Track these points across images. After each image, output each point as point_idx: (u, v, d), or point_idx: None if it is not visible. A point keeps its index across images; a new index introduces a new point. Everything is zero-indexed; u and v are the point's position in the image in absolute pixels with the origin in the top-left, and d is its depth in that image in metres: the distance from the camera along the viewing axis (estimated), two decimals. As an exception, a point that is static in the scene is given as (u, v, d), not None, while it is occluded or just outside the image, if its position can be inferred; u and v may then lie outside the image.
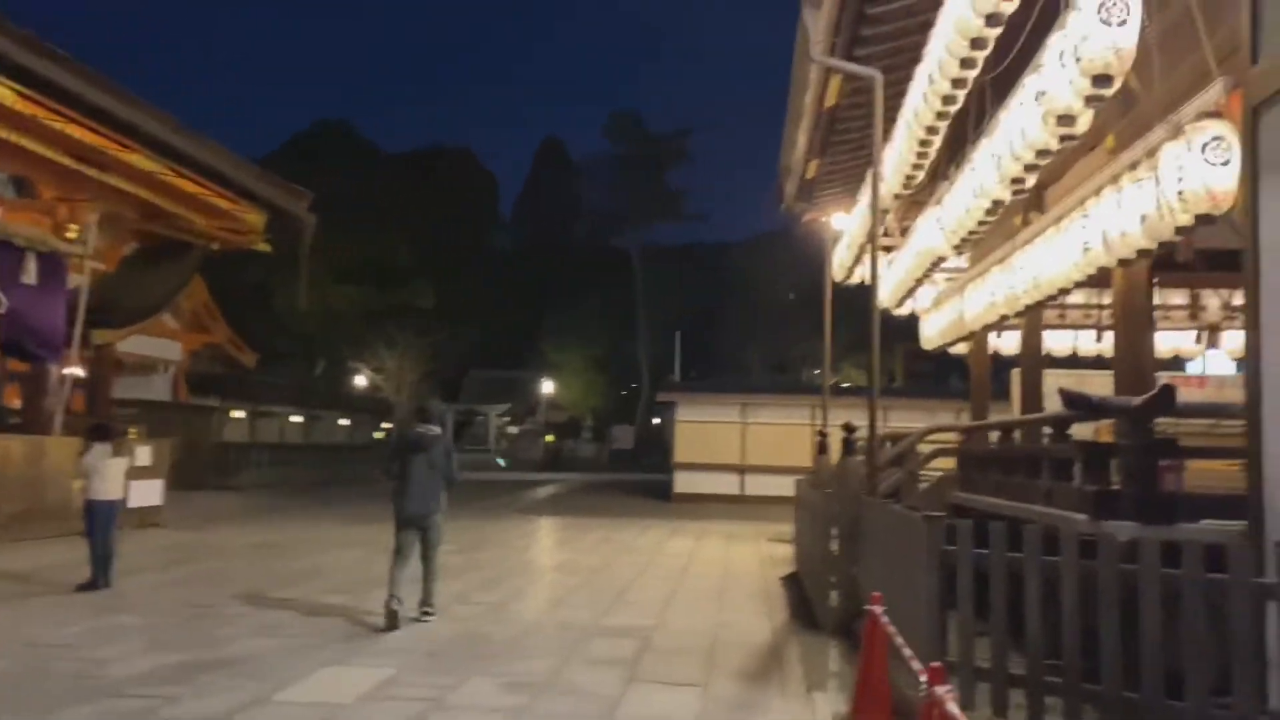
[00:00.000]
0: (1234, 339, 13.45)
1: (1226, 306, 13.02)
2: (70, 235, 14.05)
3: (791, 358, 51.39)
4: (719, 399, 26.31)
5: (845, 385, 40.88)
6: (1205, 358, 14.29)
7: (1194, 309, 12.95)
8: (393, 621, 7.24)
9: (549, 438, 52.40)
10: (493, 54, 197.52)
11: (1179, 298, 12.62)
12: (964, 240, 9.53)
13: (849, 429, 8.34)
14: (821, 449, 11.86)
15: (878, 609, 4.79)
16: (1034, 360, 11.10)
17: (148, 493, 14.90)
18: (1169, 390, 4.76)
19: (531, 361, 55.59)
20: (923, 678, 3.56)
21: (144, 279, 20.74)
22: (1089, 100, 5.66)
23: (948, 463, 11.65)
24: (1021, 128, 6.69)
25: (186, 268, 21.78)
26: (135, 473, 14.71)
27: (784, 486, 25.03)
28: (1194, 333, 13.52)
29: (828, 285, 14.06)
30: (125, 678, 5.66)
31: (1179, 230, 5.84)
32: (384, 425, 39.43)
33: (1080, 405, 5.52)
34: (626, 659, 6.43)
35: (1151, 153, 6.23)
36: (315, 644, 6.68)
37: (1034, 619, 4.45)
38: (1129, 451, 4.68)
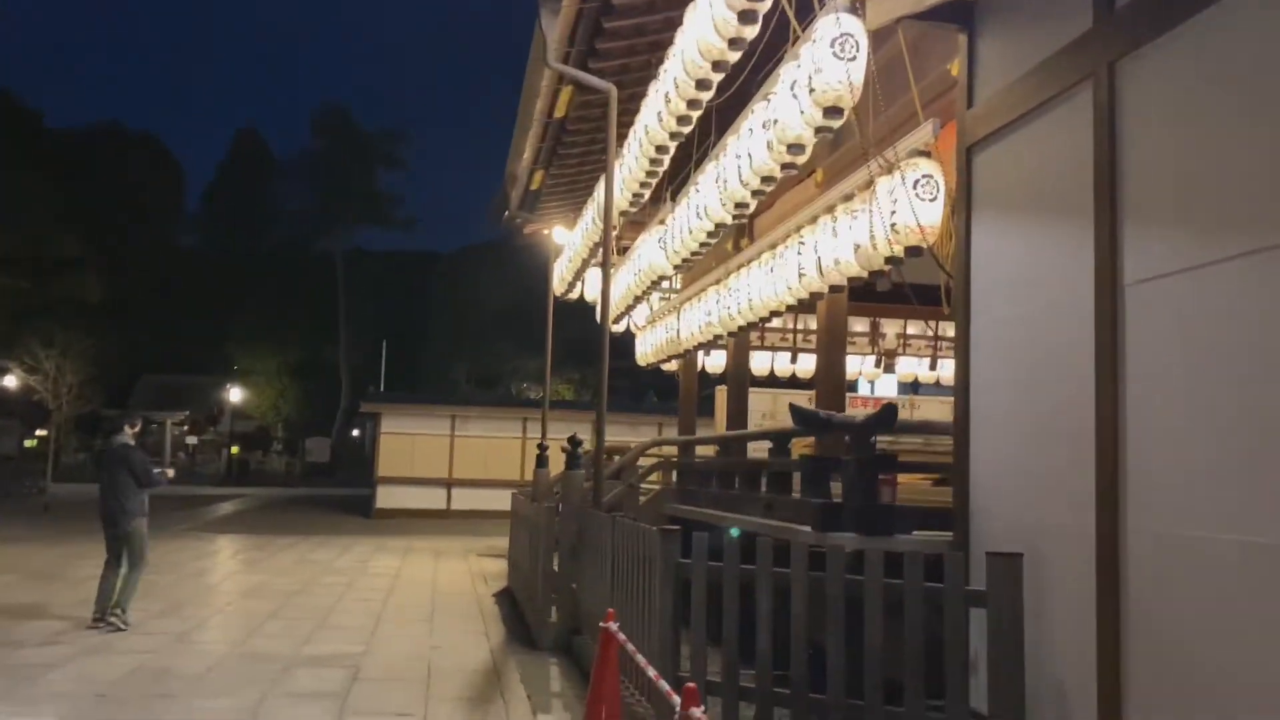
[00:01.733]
0: (906, 364, 14.96)
1: (901, 335, 14.44)
2: None
3: (500, 372, 51.23)
4: (427, 410, 25.58)
5: (549, 400, 41.33)
6: (878, 381, 15.79)
7: (874, 335, 14.21)
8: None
9: (234, 449, 48.58)
10: (191, 36, 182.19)
11: (861, 325, 13.75)
12: (685, 260, 9.79)
13: (574, 442, 8.24)
14: (540, 462, 11.73)
15: (613, 625, 4.67)
16: (741, 378, 11.63)
17: None
18: (891, 408, 5.05)
19: (215, 366, 51.30)
20: (674, 699, 3.46)
21: None
22: (818, 130, 5.92)
23: (657, 477, 11.98)
24: (749, 153, 6.92)
25: None
26: None
27: (494, 500, 24.77)
28: (873, 357, 14.83)
29: (550, 299, 14.02)
30: None
31: (888, 260, 6.26)
32: (38, 432, 34.73)
33: (810, 421, 5.74)
34: (335, 691, 5.89)
35: (866, 186, 6.66)
36: (-55, 693, 5.57)
37: (764, 631, 4.51)
38: (853, 465, 4.90)
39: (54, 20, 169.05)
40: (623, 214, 11.50)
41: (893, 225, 5.96)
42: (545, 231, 15.72)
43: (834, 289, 7.33)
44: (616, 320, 14.40)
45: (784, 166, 6.64)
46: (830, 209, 7.08)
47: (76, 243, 40.99)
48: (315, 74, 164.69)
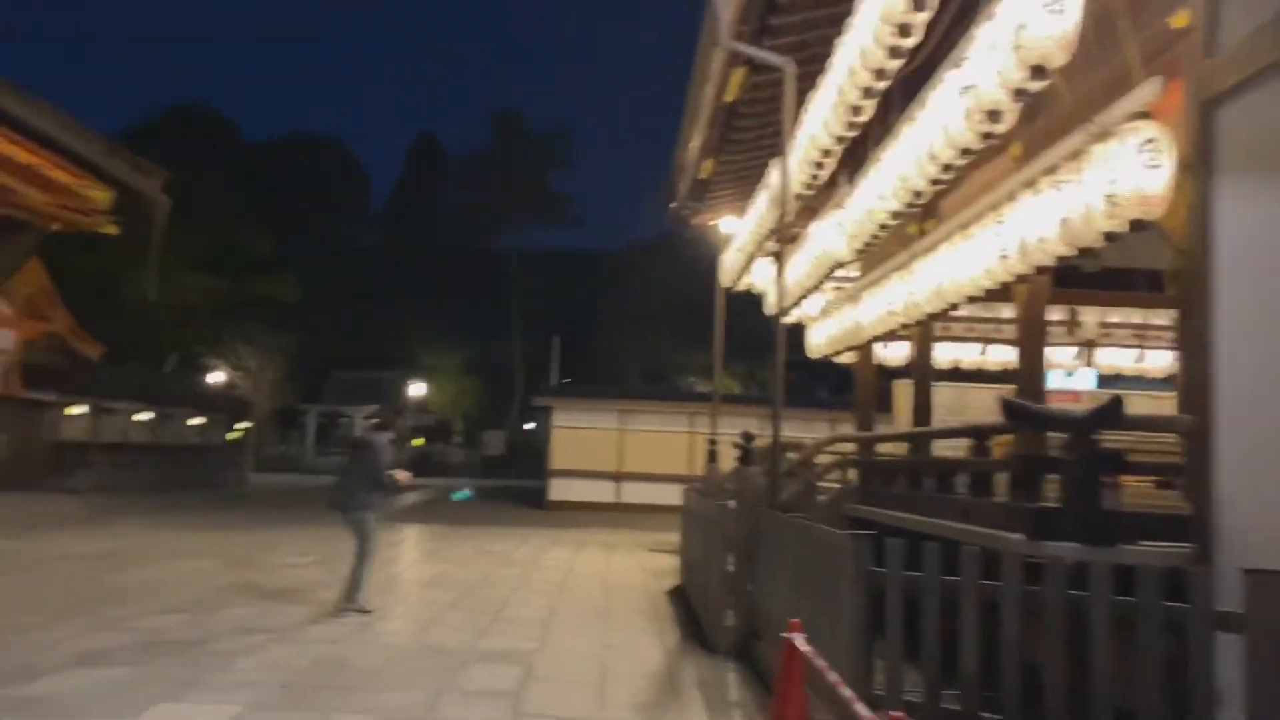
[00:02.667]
0: (1107, 355, 13.79)
1: (1102, 324, 13.32)
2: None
3: (666, 366, 51.34)
4: (596, 404, 25.77)
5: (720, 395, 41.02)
6: (1075, 374, 14.63)
7: (1070, 324, 13.13)
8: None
9: (417, 442, 50.72)
10: (370, 44, 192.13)
11: (1056, 314, 12.72)
12: (866, 245, 9.27)
13: (748, 437, 7.90)
14: (712, 457, 11.45)
15: (797, 637, 4.30)
16: (925, 371, 10.94)
17: (-38, 495, 13.34)
18: (1116, 402, 4.45)
19: (399, 362, 53.75)
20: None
21: (-31, 259, 18.77)
22: (1020, 94, 5.36)
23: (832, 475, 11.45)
24: (941, 124, 6.39)
25: (21, 249, 19.73)
26: (-53, 472, 13.20)
27: (661, 494, 24.78)
28: (1070, 348, 13.73)
29: (719, 291, 13.67)
30: (-100, 723, 4.68)
31: (1105, 236, 5.61)
32: (239, 425, 37.28)
33: (1024, 416, 5.19)
34: (508, 690, 5.78)
35: (1074, 156, 6.01)
36: (147, 676, 5.77)
37: (970, 648, 4.05)
38: (1074, 465, 4.35)
39: (244, 37, 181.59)
40: (798, 198, 11.08)
41: (1110, 196, 5.32)
42: (713, 222, 15.42)
43: (1038, 271, 6.69)
44: (788, 311, 13.96)
45: (982, 137, 6.08)
46: (1032, 183, 6.45)
47: (270, 245, 43.67)
48: (484, 75, 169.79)
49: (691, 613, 8.93)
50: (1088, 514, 4.23)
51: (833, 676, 3.79)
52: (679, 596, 10.08)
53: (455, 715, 5.17)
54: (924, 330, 10.71)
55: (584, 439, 24.81)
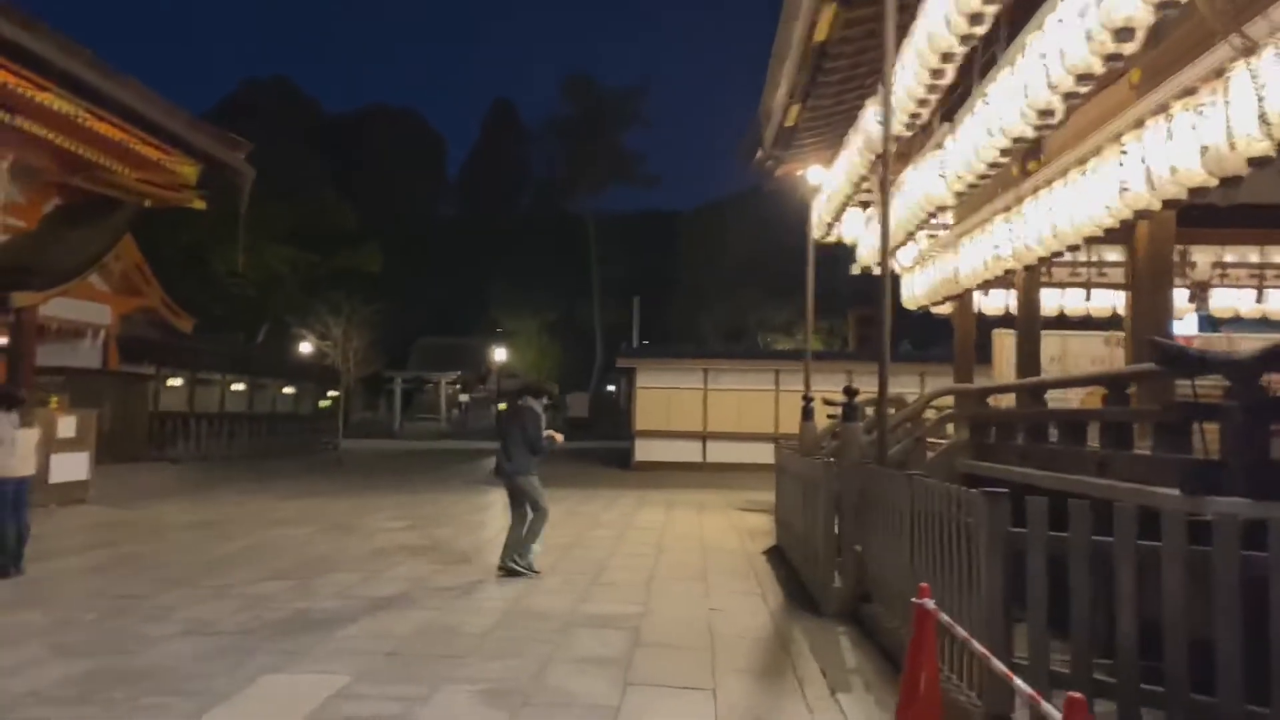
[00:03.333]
0: (1222, 297, 13.00)
1: (1217, 264, 12.55)
2: (-23, 185, 12.69)
3: (746, 324, 50.77)
4: (680, 364, 25.54)
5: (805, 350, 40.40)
6: (1184, 318, 13.87)
7: (1182, 265, 12.39)
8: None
9: (501, 406, 51.22)
10: (442, 11, 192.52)
11: (1168, 255, 11.96)
12: (970, 187, 8.78)
13: (851, 392, 7.56)
14: (806, 414, 11.13)
15: (928, 603, 4.02)
16: (1032, 319, 10.39)
17: (72, 467, 13.78)
18: (1284, 342, 4.02)
19: (481, 328, 54.29)
20: (1044, 706, 2.77)
21: (68, 238, 19.24)
22: (1160, 5, 4.88)
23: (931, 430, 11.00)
24: (1059, 49, 5.90)
25: (115, 226, 20.28)
26: (58, 445, 13.59)
27: (748, 453, 24.54)
28: (1184, 291, 12.98)
29: (809, 243, 13.21)
30: (19, 696, 4.70)
31: (1253, 162, 5.11)
32: (330, 393, 38.04)
33: (1178, 358, 4.77)
34: (616, 657, 5.61)
35: (1213, 76, 5.49)
36: (253, 644, 5.76)
37: (1127, 616, 3.70)
38: (1238, 413, 3.94)
39: (323, 13, 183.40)
40: (896, 139, 10.57)
41: (1262, 116, 4.83)
42: (799, 172, 14.93)
43: (1167, 205, 6.19)
44: (893, 253, 13.46)
45: (1106, 59, 5.60)
46: (1164, 108, 5.93)
47: (353, 216, 44.23)
48: (558, 36, 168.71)
49: (792, 573, 8.68)
50: (1255, 466, 3.83)
51: (979, 646, 3.50)
52: (777, 557, 9.83)
53: (565, 684, 5.02)
54: (1030, 276, 10.17)
55: (668, 399, 24.62)
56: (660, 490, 18.11)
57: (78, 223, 19.42)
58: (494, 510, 14.53)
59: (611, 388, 54.43)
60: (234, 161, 15.92)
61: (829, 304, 51.59)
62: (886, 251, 7.19)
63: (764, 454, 25.30)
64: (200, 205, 20.25)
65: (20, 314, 17.85)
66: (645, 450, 24.58)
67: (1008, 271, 9.58)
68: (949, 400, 11.36)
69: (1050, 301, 13.29)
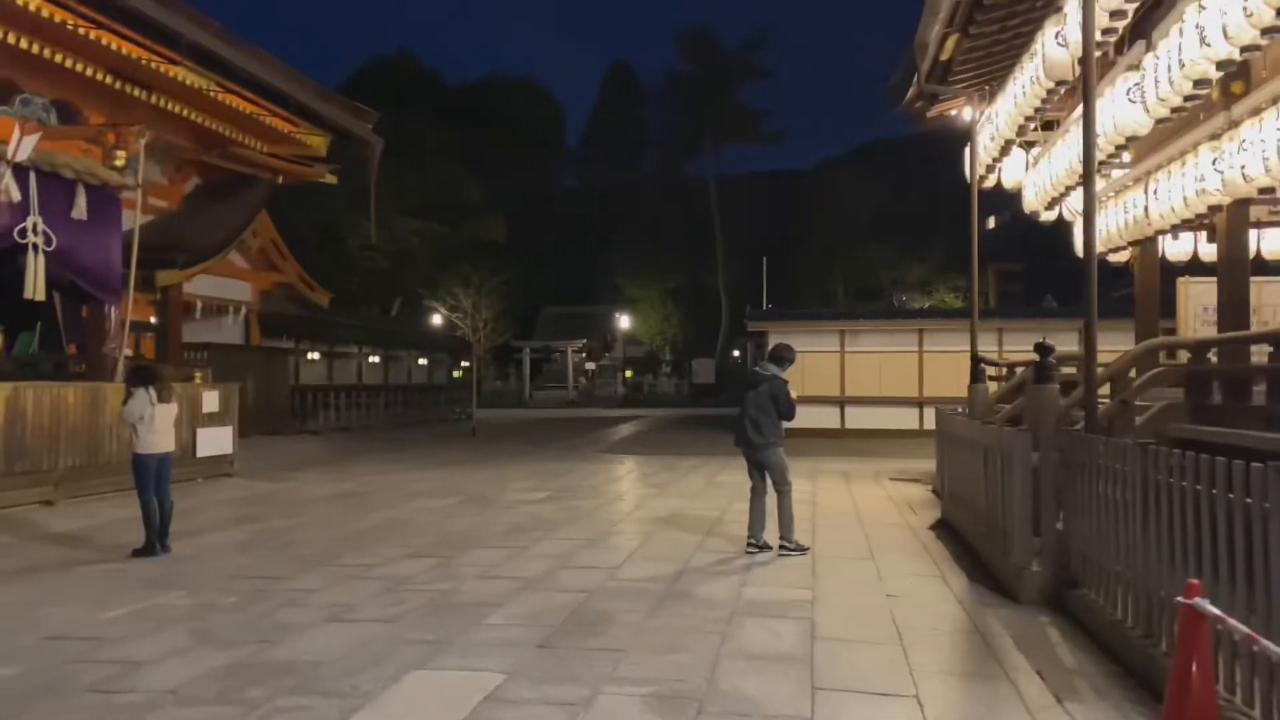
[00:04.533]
0: None
1: None
2: (118, 164, 12.81)
3: (879, 283, 49.08)
4: (815, 326, 24.55)
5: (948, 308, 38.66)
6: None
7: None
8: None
9: (628, 373, 51.10)
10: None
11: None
12: (1175, 110, 7.65)
13: (1044, 349, 6.63)
14: (976, 376, 10.18)
15: (1204, 605, 3.19)
16: (1238, 263, 9.12)
17: (217, 441, 13.93)
18: None
19: (605, 296, 54.17)
20: None
21: (208, 216, 19.65)
22: None
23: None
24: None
25: (252, 203, 20.61)
26: (203, 420, 13.76)
27: (890, 418, 23.45)
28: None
29: (974, 189, 12.10)
30: (155, 694, 4.36)
31: None
32: (463, 363, 38.50)
33: None
34: (794, 654, 4.94)
35: None
36: (397, 633, 5.34)
37: None
38: None
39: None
40: (1060, 84, 9.43)
41: None
42: (953, 112, 13.80)
43: None
44: (1050, 207, 12.27)
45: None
46: None
47: (478, 187, 44.49)
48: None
49: (968, 552, 7.84)
50: None
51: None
52: (947, 532, 8.97)
53: (741, 687, 4.39)
54: (1236, 214, 8.92)
55: (802, 363, 23.23)
56: (799, 459, 17.23)
57: (216, 201, 19.80)
58: (630, 480, 14.05)
59: (737, 353, 53.61)
60: (362, 131, 15.78)
61: (966, 259, 49.48)
62: (1092, 175, 6.21)
63: (908, 419, 24.18)
64: (332, 180, 20.40)
65: (166, 292, 18.30)
66: (780, 416, 23.73)
67: (1212, 208, 8.40)
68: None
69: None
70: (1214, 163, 7.89)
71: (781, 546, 7.78)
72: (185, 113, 13.55)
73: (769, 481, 8.01)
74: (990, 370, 12.77)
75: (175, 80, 12.42)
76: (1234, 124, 7.66)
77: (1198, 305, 12.65)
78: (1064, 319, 24.51)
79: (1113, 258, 12.23)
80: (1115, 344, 20.30)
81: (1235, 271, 9.17)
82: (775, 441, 7.92)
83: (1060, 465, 6.07)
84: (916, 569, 7.27)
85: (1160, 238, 11.04)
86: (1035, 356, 6.70)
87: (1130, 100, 8.08)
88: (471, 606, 5.94)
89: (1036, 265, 43.31)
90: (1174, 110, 7.58)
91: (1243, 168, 7.42)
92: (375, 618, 5.71)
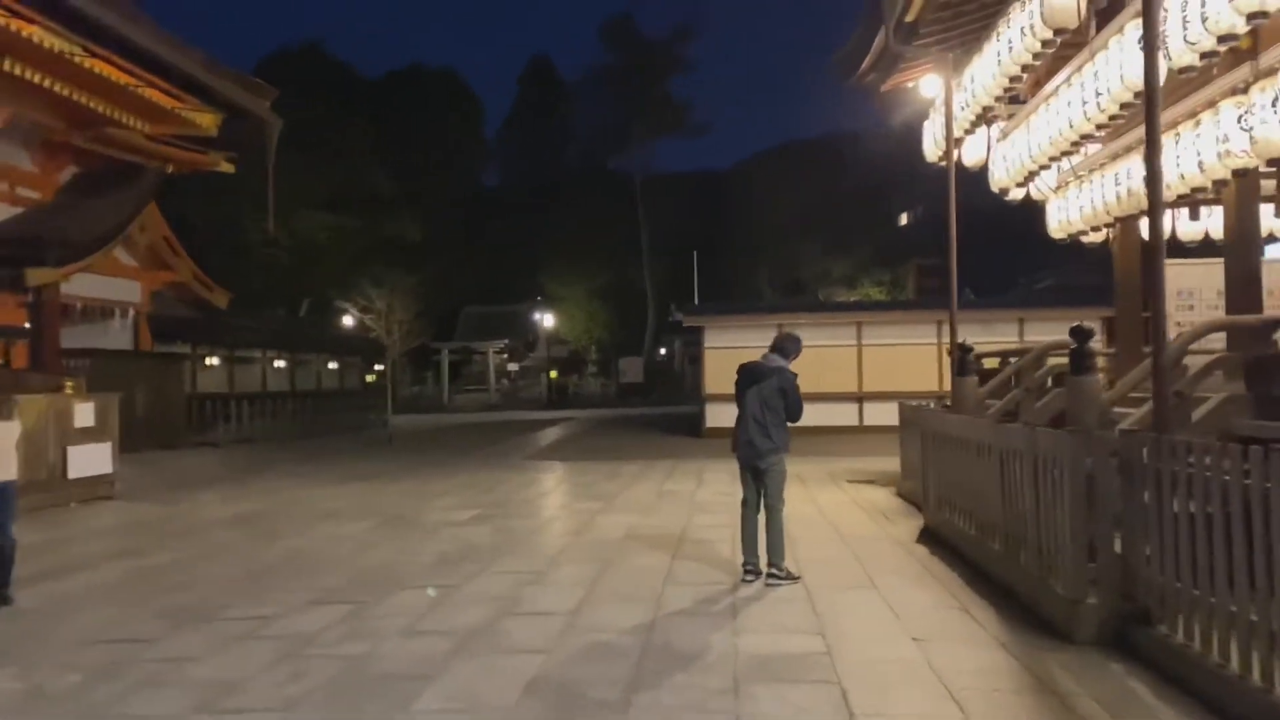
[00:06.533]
0: None
1: None
2: (-35, 142, 10.98)
3: (804, 278, 48.57)
4: (752, 320, 23.50)
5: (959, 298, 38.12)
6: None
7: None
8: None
9: (552, 374, 49.57)
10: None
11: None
12: (1205, 57, 6.66)
13: (1083, 334, 5.54)
14: (963, 369, 9.14)
15: None
16: (1248, 240, 8.22)
17: (93, 459, 12.19)
18: None
19: (528, 294, 52.51)
20: None
21: (88, 209, 17.63)
22: None
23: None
24: None
25: (138, 195, 18.65)
26: (76, 436, 11.98)
27: (829, 415, 22.43)
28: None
29: (950, 160, 11.05)
30: None
31: None
32: (377, 367, 36.58)
33: None
34: (833, 739, 3.71)
35: None
36: (293, 729, 3.95)
37: None
38: None
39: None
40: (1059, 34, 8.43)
41: None
42: (908, 84, 12.79)
43: None
44: (1022, 184, 11.32)
45: None
46: None
47: (392, 183, 42.53)
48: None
49: (978, 573, 6.71)
50: None
51: None
52: (940, 548, 7.86)
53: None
54: (1246, 185, 8.01)
55: (741, 359, 22.49)
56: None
57: (97, 193, 17.79)
58: (569, 492, 12.70)
59: (664, 351, 52.58)
60: (259, 109, 14.11)
61: (891, 253, 49.25)
62: (1156, 156, 5.11)
63: (847, 415, 23.30)
64: (228, 168, 18.57)
65: (40, 293, 16.29)
66: (718, 415, 22.57)
67: (1217, 182, 7.44)
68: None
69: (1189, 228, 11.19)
70: (1240, 119, 6.93)
71: (770, 575, 6.57)
72: (48, 83, 11.73)
73: (763, 495, 6.79)
74: (989, 363, 11.84)
75: (32, 43, 10.64)
76: (1267, 73, 6.70)
77: (1172, 288, 11.86)
78: (1003, 309, 24.04)
79: (1087, 238, 11.37)
80: (1046, 334, 19.77)
81: (1245, 248, 8.28)
82: (783, 447, 6.76)
83: (1119, 473, 4.97)
84: (930, 599, 6.11)
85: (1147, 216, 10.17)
86: (1012, 345, 5.62)
87: (1129, 56, 7.09)
88: (394, 682, 4.56)
89: (956, 259, 43.41)
90: (1204, 56, 6.60)
91: (1267, 127, 6.45)
92: (263, 705, 4.29)
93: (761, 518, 6.76)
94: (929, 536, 8.44)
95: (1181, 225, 11.12)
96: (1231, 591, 3.98)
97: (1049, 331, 20.26)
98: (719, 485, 12.65)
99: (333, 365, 32.15)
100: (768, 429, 6.64)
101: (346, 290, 40.42)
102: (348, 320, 40.09)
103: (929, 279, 48.56)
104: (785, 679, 4.47)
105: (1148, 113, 5.29)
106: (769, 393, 6.69)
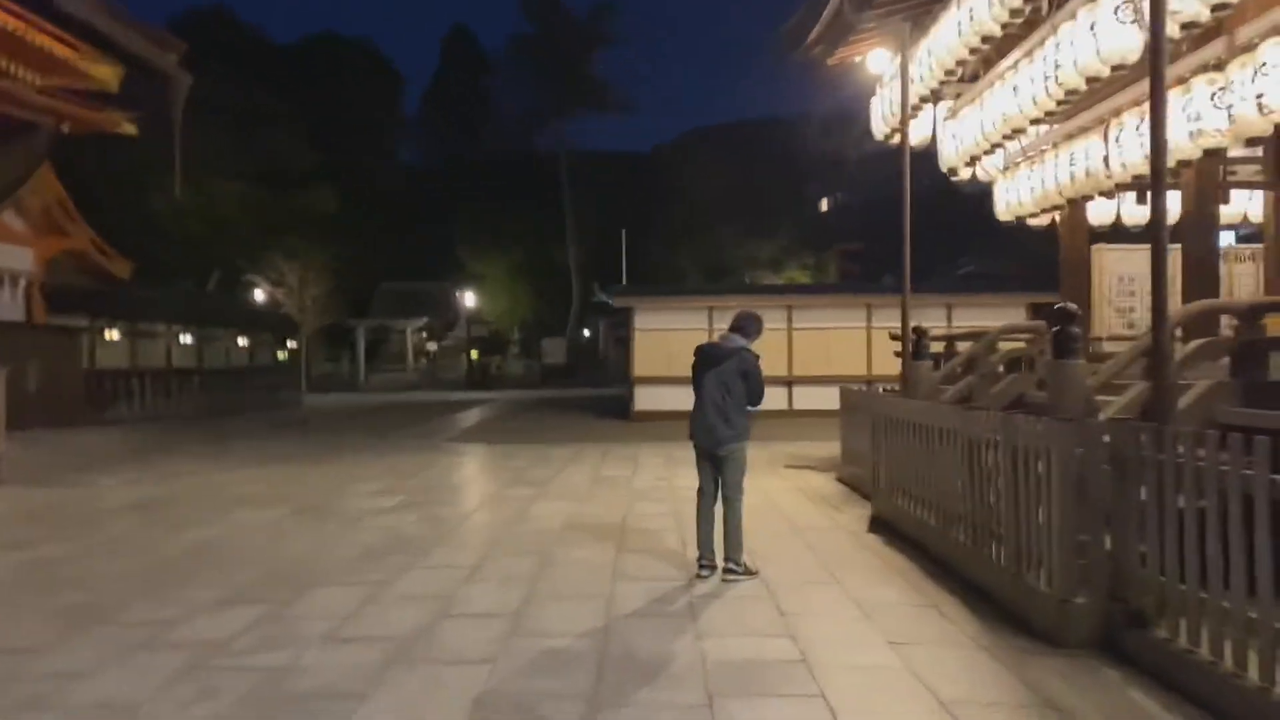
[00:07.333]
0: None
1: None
2: None
3: (729, 261, 48.40)
4: (684, 303, 23.16)
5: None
6: None
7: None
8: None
9: (473, 354, 48.53)
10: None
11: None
12: (1186, 28, 6.40)
13: (1067, 315, 5.21)
14: (919, 352, 8.83)
15: None
16: (1207, 225, 8.06)
17: (-25, 440, 11.14)
18: None
19: (449, 272, 51.18)
20: None
21: (-29, 169, 16.38)
22: None
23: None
24: None
25: (28, 154, 17.39)
26: (-45, 414, 10.97)
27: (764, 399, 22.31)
28: None
29: (905, 131, 10.68)
30: None
31: None
32: (290, 344, 35.21)
33: None
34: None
35: None
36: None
37: None
38: None
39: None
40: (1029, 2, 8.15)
41: None
42: (856, 59, 12.45)
43: None
44: (971, 164, 11.07)
45: None
46: None
47: (307, 155, 40.97)
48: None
49: (941, 566, 6.38)
50: None
51: None
52: (895, 538, 7.53)
53: None
54: (1206, 168, 7.85)
55: (670, 342, 22.14)
56: (678, 445, 15.71)
57: (-17, 152, 16.52)
58: (499, 477, 12.10)
59: (588, 332, 51.98)
60: (164, 63, 13.06)
61: (814, 238, 49.40)
62: (1160, 137, 4.77)
63: (776, 399, 23.08)
64: (129, 129, 17.31)
65: (-83, 258, 15.04)
66: (647, 398, 22.21)
67: (1182, 163, 7.22)
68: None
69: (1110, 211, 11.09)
70: (1213, 97, 6.70)
71: (727, 571, 6.13)
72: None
73: (720, 484, 6.33)
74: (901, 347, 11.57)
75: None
76: (1246, 47, 6.46)
77: (1113, 274, 11.81)
78: (931, 295, 24.08)
79: (1032, 221, 11.19)
80: (973, 320, 19.83)
81: (1204, 232, 8.14)
82: (744, 434, 6.29)
83: (1111, 465, 4.65)
84: (896, 596, 5.74)
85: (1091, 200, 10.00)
86: (961, 330, 5.29)
87: (1120, 21, 6.81)
88: (320, 701, 3.98)
89: (875, 245, 43.76)
90: (1185, 27, 6.34)
91: (1260, 98, 6.23)
92: (162, 733, 3.68)
93: (718, 509, 6.31)
94: (880, 525, 8.12)
95: (1127, 209, 11.00)
96: (1250, 595, 3.67)
97: (976, 317, 20.36)
98: (656, 470, 12.24)
99: (243, 341, 30.82)
100: (728, 414, 6.19)
101: (258, 264, 38.79)
102: (260, 295, 38.50)
103: (851, 264, 49.03)
104: (763, 692, 4.02)
105: (1152, 75, 4.94)
106: (729, 375, 6.21)
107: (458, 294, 48.73)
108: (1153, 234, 4.53)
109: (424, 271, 51.23)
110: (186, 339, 26.46)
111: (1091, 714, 3.81)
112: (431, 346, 50.47)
